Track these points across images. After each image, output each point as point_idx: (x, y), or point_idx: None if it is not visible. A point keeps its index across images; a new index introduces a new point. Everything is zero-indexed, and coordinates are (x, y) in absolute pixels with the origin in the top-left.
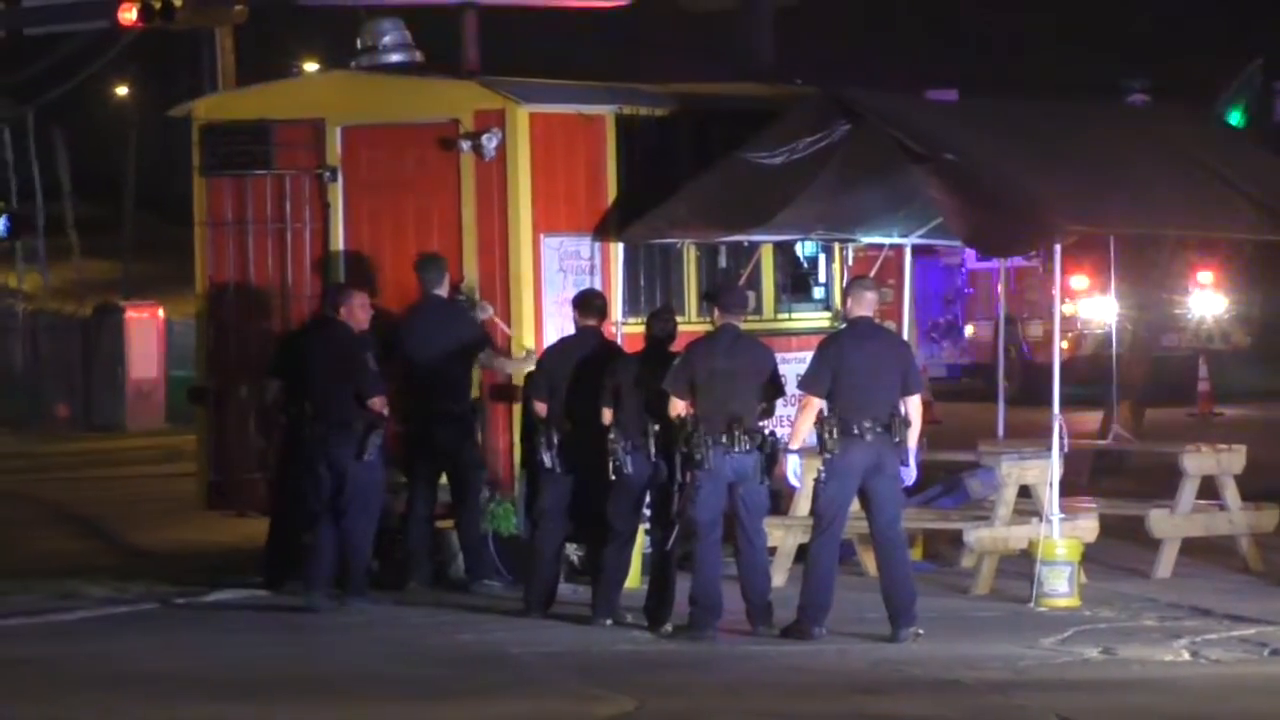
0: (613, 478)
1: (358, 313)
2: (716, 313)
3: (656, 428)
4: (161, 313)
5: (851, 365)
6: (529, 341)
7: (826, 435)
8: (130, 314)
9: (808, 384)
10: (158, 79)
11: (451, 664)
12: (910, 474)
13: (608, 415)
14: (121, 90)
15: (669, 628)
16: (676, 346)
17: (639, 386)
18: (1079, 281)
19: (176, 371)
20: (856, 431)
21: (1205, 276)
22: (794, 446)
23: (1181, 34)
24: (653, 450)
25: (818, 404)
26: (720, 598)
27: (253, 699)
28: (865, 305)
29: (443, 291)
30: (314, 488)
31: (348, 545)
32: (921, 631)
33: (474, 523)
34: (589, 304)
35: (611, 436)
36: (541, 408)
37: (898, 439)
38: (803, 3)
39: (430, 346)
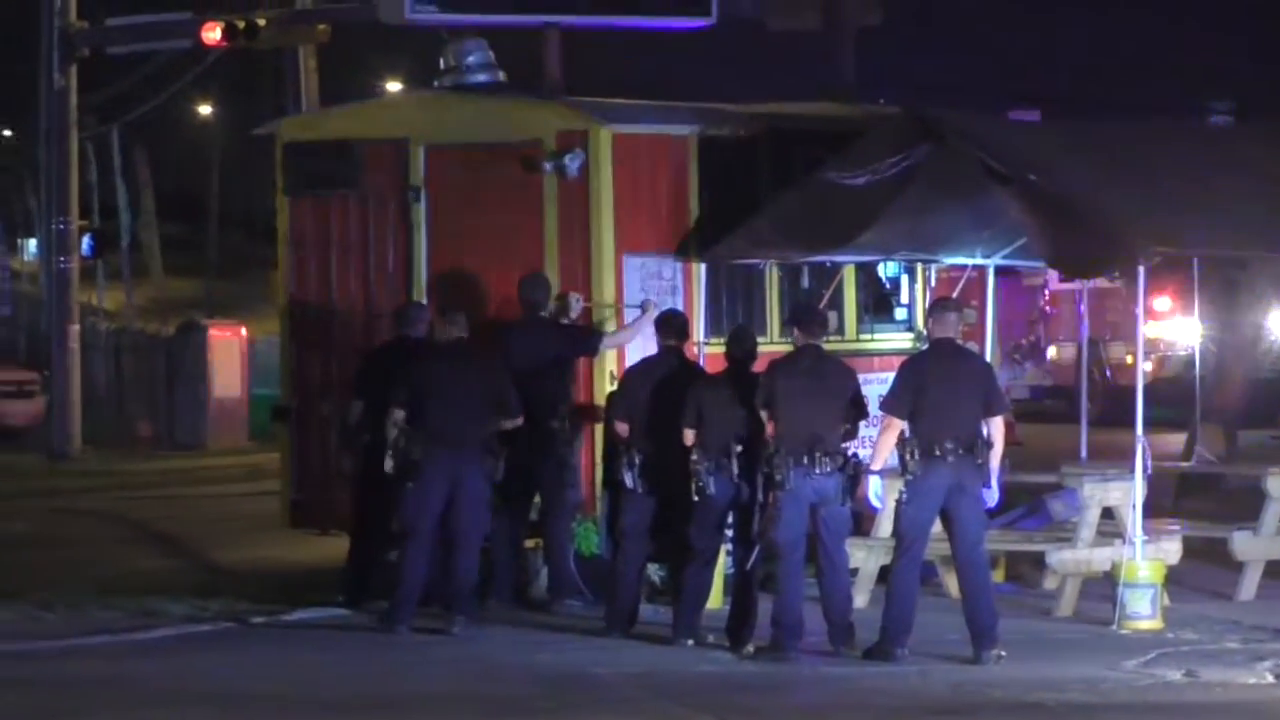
0: (695, 498)
1: (424, 329)
2: (798, 334)
3: (739, 448)
4: (244, 331)
5: (933, 386)
6: (611, 363)
7: (908, 456)
8: (213, 332)
9: (889, 405)
10: (242, 98)
11: (533, 683)
12: (992, 495)
13: (690, 436)
14: (205, 109)
15: (750, 648)
16: (758, 366)
17: (721, 407)
18: (1162, 303)
19: (259, 390)
20: (938, 453)
21: None
22: (876, 468)
23: (1266, 54)
24: (735, 471)
25: (899, 425)
26: (802, 619)
27: (331, 718)
28: (948, 327)
29: (546, 313)
30: (424, 509)
31: (461, 565)
32: (1004, 653)
33: (563, 542)
34: (670, 324)
35: (694, 457)
36: (623, 428)
37: (980, 460)
38: (885, 22)
39: (530, 366)
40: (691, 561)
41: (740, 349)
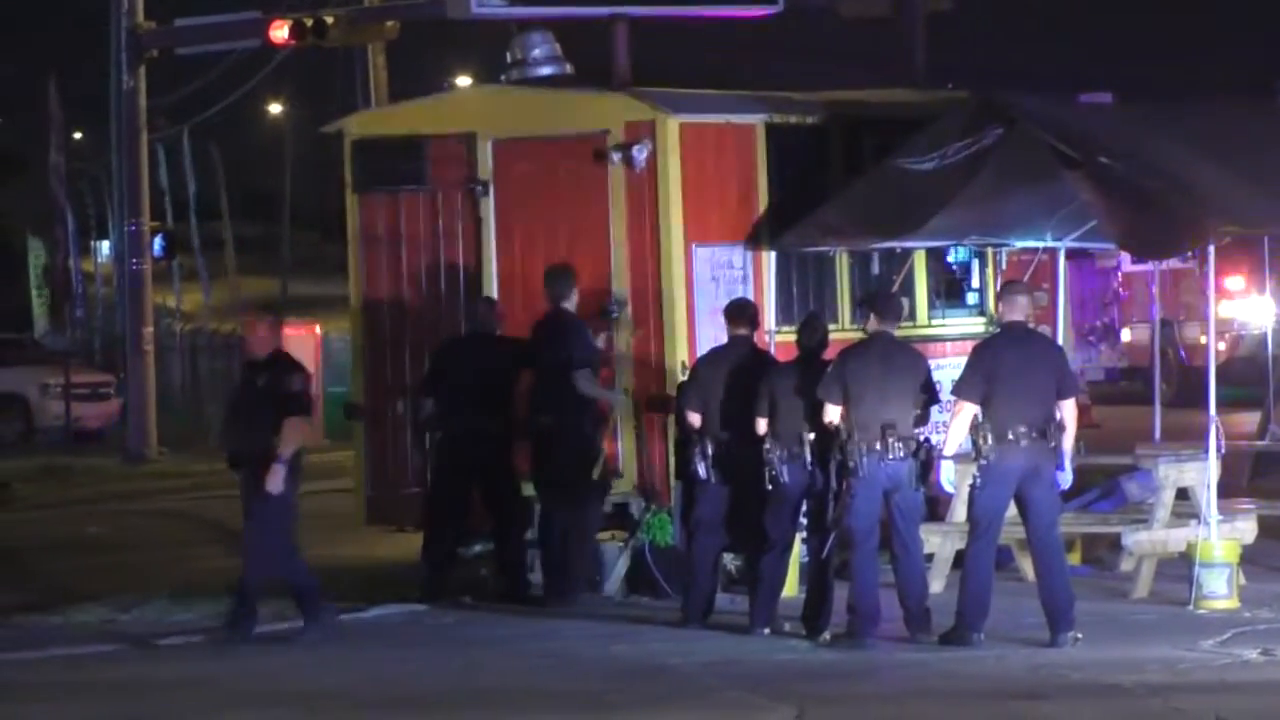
0: (769, 487)
1: (491, 323)
2: (872, 320)
3: (812, 436)
4: (318, 329)
5: (1005, 371)
6: (682, 352)
7: (981, 441)
8: (286, 331)
9: (962, 390)
10: (313, 96)
11: (611, 676)
12: (1066, 478)
13: (762, 425)
14: (277, 108)
15: (827, 636)
16: (829, 354)
17: (793, 395)
18: (1234, 282)
19: (334, 388)
20: (1012, 437)
21: None
22: (948, 452)
23: None
24: (808, 459)
25: (972, 409)
26: (878, 605)
27: (413, 715)
28: (1018, 310)
29: (570, 304)
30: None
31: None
32: (1080, 635)
33: (588, 534)
34: (741, 313)
35: (767, 446)
36: (695, 418)
37: (1053, 444)
38: (955, 7)
39: (543, 361)
40: (767, 550)
41: (812, 338)
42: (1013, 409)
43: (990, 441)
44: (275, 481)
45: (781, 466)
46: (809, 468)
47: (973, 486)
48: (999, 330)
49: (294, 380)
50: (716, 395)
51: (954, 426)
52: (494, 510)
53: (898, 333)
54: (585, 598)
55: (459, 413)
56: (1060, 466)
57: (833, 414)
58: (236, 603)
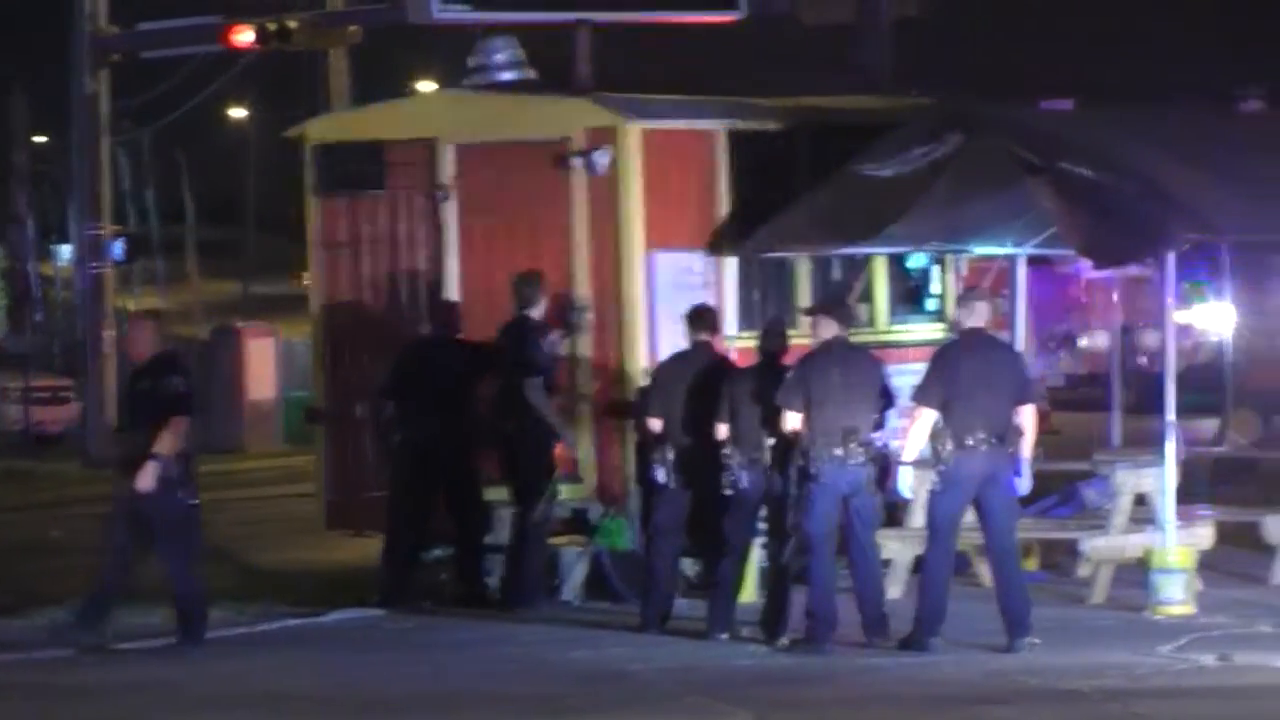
0: (729, 492)
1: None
2: (825, 325)
3: (771, 442)
4: (279, 333)
5: (964, 377)
6: (642, 358)
7: (940, 447)
8: (247, 335)
9: (921, 396)
10: (277, 101)
11: (571, 681)
12: (1024, 484)
13: (723, 430)
14: (240, 113)
15: (785, 641)
16: (789, 359)
17: (754, 401)
18: (1196, 289)
19: (294, 392)
20: (971, 443)
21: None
22: (908, 458)
23: None
24: (767, 464)
25: (931, 415)
26: (836, 611)
27: (377, 719)
28: (977, 316)
29: (535, 312)
30: None
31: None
32: (1038, 641)
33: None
34: (701, 319)
35: (727, 451)
36: (656, 424)
37: (1011, 450)
38: (920, 14)
39: (506, 366)
40: (726, 556)
41: (773, 343)
42: (972, 415)
43: (949, 447)
44: (145, 479)
45: (741, 472)
46: (768, 473)
47: (931, 492)
48: (958, 337)
49: (176, 382)
50: (677, 401)
51: (913, 432)
52: (455, 515)
53: (859, 339)
54: (544, 603)
55: (420, 417)
56: (1018, 472)
57: (794, 420)
58: (86, 603)
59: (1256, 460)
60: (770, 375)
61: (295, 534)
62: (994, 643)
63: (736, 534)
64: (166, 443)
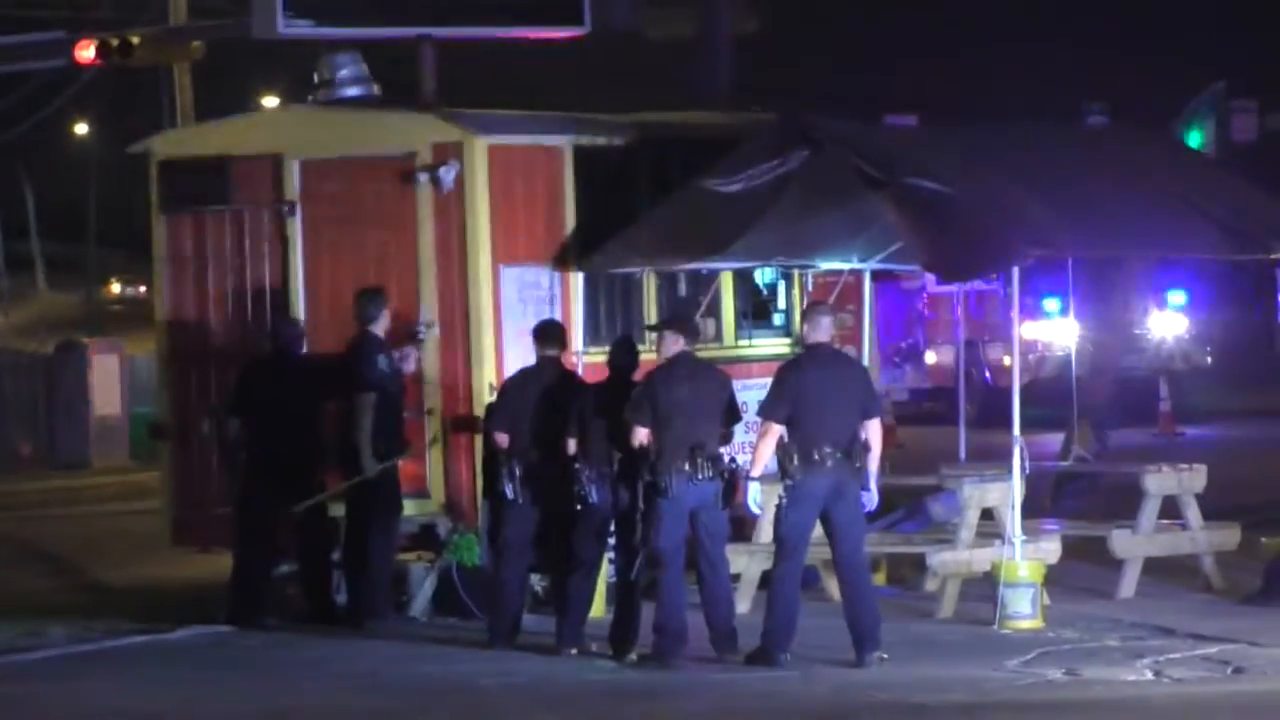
0: (578, 507)
1: (294, 343)
2: (670, 341)
3: (620, 456)
4: (124, 349)
5: (810, 391)
6: (489, 373)
7: (787, 461)
8: (93, 351)
9: (766, 411)
10: (120, 116)
11: (420, 696)
12: (871, 499)
13: (572, 445)
14: (84, 128)
15: (634, 656)
16: (638, 375)
17: (602, 416)
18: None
19: (140, 408)
20: (817, 458)
21: (1172, 297)
22: (755, 474)
23: (1141, 56)
24: (615, 479)
25: (777, 430)
26: (685, 626)
27: None
28: (822, 331)
29: (378, 327)
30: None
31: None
32: (886, 656)
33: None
34: (548, 334)
35: (576, 466)
36: (503, 439)
37: (858, 464)
38: (761, 29)
39: (347, 382)
40: (574, 571)
41: (623, 358)
42: (818, 430)
43: (796, 462)
44: None
45: (590, 486)
46: (616, 488)
47: (779, 507)
48: (803, 351)
49: None
50: (525, 416)
51: (760, 448)
52: (301, 530)
53: (706, 354)
54: (393, 618)
55: (265, 433)
56: (865, 487)
57: (641, 435)
58: None
59: (1099, 474)
60: (619, 390)
61: (142, 550)
62: (843, 658)
63: (586, 548)
64: None
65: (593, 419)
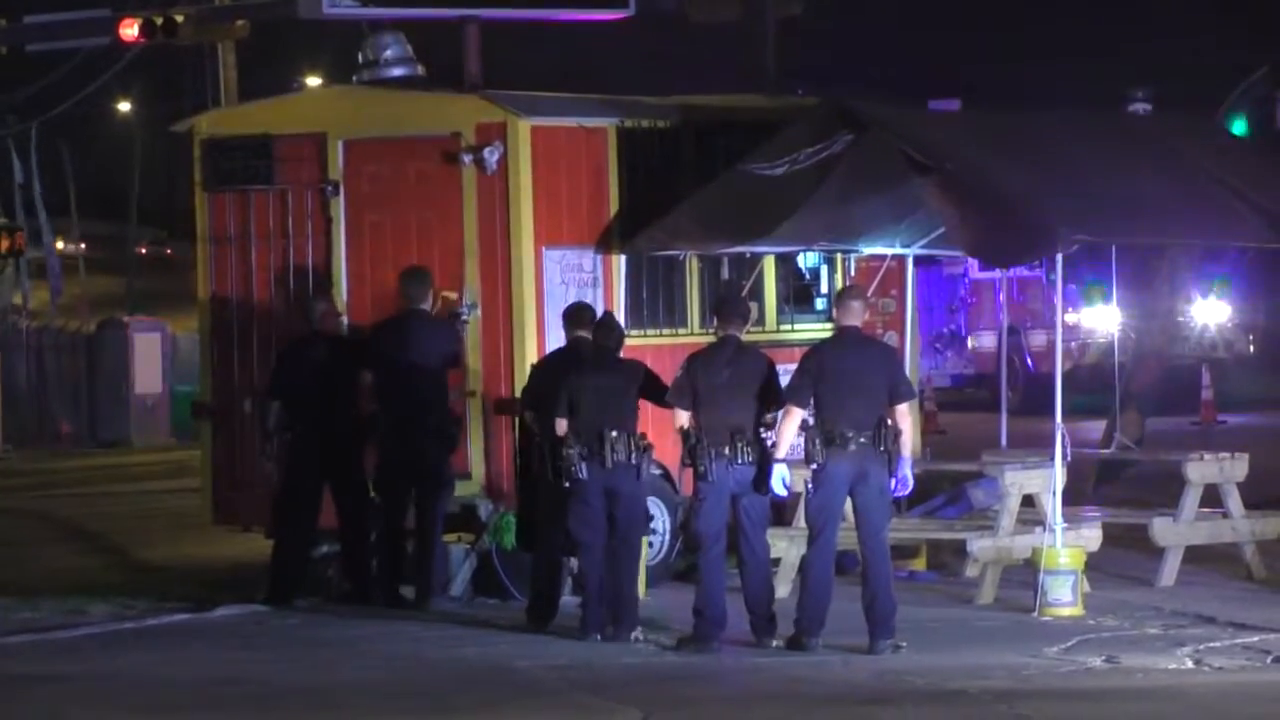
0: (565, 484)
1: (328, 322)
2: (718, 324)
3: (614, 434)
4: (166, 328)
5: (833, 375)
6: (531, 354)
7: (811, 445)
8: (134, 330)
9: (789, 394)
10: (163, 95)
11: (457, 678)
12: (905, 484)
13: (562, 426)
14: (126, 106)
15: (657, 638)
16: (677, 358)
17: (592, 394)
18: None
19: (181, 386)
20: (840, 441)
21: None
22: (778, 456)
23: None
24: (607, 457)
25: (799, 413)
26: (724, 610)
27: (258, 714)
28: (852, 315)
29: (426, 305)
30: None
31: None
32: (902, 644)
33: (436, 540)
34: (578, 316)
35: (567, 445)
36: (561, 425)
37: (883, 448)
38: (805, 13)
39: (407, 362)
40: (583, 554)
41: (608, 337)
42: (841, 413)
43: (818, 445)
44: None
45: (581, 463)
46: (606, 466)
47: (805, 490)
48: (831, 335)
49: None
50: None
51: (782, 430)
52: (341, 511)
53: (747, 337)
54: (433, 600)
55: (305, 414)
56: (894, 472)
57: (682, 418)
58: None
59: (1139, 462)
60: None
61: (182, 529)
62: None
63: (581, 529)
64: None
65: (583, 397)
